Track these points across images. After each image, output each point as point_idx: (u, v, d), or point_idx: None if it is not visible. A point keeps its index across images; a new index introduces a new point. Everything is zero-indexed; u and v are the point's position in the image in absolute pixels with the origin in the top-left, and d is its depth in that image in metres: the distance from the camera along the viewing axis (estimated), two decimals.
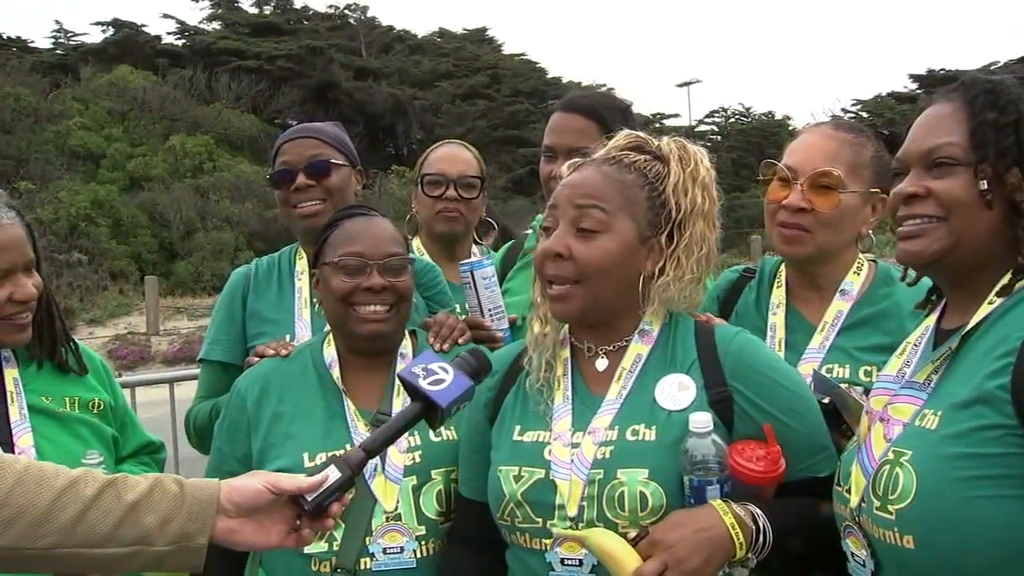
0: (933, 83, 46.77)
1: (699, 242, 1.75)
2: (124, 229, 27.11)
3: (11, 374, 2.11)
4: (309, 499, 1.50)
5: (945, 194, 1.46)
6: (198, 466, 2.45)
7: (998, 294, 1.44)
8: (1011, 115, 1.45)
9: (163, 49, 44.52)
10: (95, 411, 2.22)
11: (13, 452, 1.99)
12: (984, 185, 1.43)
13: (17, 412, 2.07)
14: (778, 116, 50.91)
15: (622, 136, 1.85)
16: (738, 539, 1.53)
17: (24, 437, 2.04)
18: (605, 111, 2.52)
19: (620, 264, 1.72)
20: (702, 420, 1.59)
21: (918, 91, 47.10)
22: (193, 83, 37.37)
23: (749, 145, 40.19)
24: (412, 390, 1.58)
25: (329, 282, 2.05)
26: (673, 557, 1.52)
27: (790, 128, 48.95)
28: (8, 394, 2.08)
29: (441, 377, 1.58)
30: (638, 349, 1.77)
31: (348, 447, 1.94)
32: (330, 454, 1.92)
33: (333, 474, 1.51)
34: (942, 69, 48.41)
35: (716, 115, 51.67)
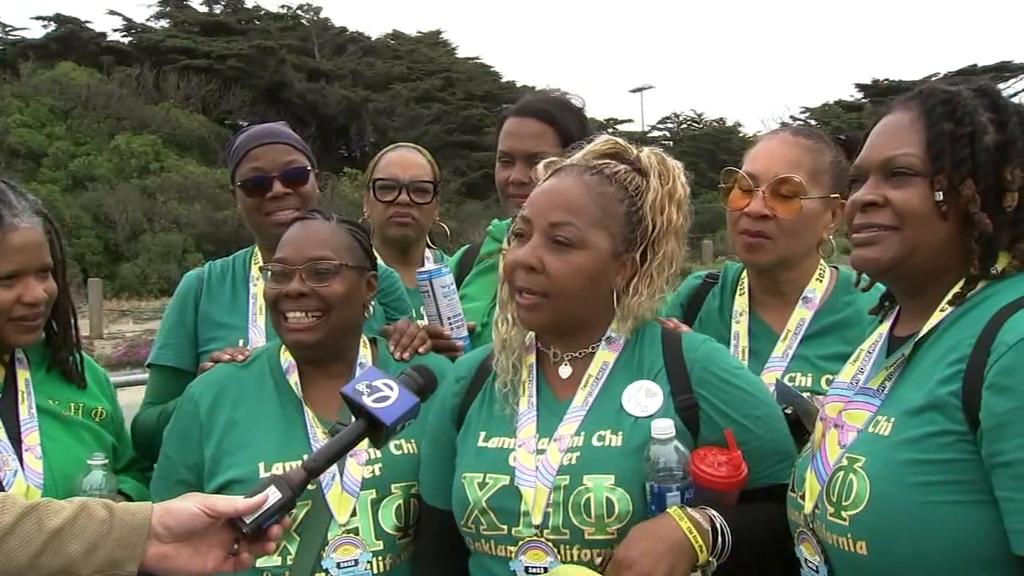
0: (878, 92, 48.06)
1: (670, 260, 1.75)
2: (67, 230, 26.36)
3: (23, 375, 2.15)
4: (247, 521, 1.43)
5: (902, 204, 1.47)
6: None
7: (950, 302, 1.46)
8: (967, 127, 1.45)
9: (108, 46, 43.60)
10: (98, 419, 2.22)
11: (21, 449, 2.04)
12: (940, 196, 1.44)
13: (27, 411, 2.10)
14: (729, 122, 51.82)
15: (602, 142, 1.83)
16: (696, 543, 1.53)
17: (31, 435, 2.07)
18: (560, 114, 2.49)
19: (592, 281, 1.71)
20: (664, 426, 1.59)
21: (863, 100, 48.35)
22: (140, 82, 36.63)
23: (701, 151, 40.75)
24: (355, 408, 1.54)
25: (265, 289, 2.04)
26: (639, 573, 1.50)
27: (741, 134, 49.97)
28: (20, 393, 2.12)
29: (385, 394, 1.54)
30: (605, 356, 1.76)
31: (306, 457, 1.87)
32: (287, 464, 1.88)
33: (273, 495, 1.45)
34: (886, 79, 49.78)
35: (669, 121, 52.35)
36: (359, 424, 1.54)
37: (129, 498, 2.08)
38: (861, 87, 51.12)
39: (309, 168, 2.46)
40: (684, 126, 51.27)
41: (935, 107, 1.48)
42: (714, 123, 50.88)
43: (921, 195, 1.45)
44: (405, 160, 2.93)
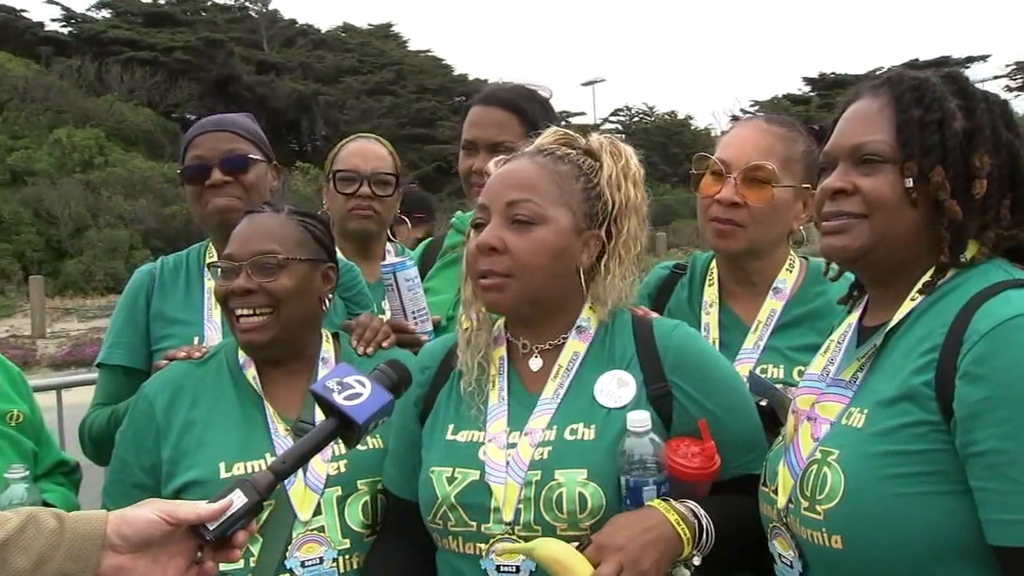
0: (824, 86, 49.00)
1: (635, 239, 1.73)
2: (5, 226, 25.61)
3: None
4: (211, 528, 1.35)
5: (871, 191, 1.45)
6: (91, 476, 2.31)
7: (920, 291, 1.45)
8: (936, 113, 1.44)
9: (46, 36, 42.30)
10: (13, 423, 2.09)
11: None
12: (910, 183, 1.43)
13: None
14: (681, 115, 52.34)
15: (550, 133, 1.81)
16: (684, 535, 1.51)
17: None
18: (526, 104, 2.46)
19: (557, 257, 1.67)
20: (639, 419, 1.56)
21: (811, 93, 49.25)
22: (81, 73, 35.57)
23: (653, 144, 41.12)
24: (326, 406, 1.47)
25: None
26: (627, 558, 1.46)
27: (692, 127, 50.55)
28: None
29: (358, 391, 1.46)
30: (575, 346, 1.73)
31: (268, 456, 1.84)
32: (249, 464, 1.83)
33: (238, 499, 1.37)
34: (832, 72, 50.80)
35: (621, 113, 52.71)
36: (330, 423, 1.47)
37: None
38: (808, 80, 52.06)
39: (253, 157, 2.38)
40: (636, 119, 51.66)
41: (904, 93, 1.47)
42: (666, 116, 51.35)
43: (890, 182, 1.44)
44: (366, 151, 2.87)
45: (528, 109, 2.43)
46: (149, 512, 1.34)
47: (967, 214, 1.42)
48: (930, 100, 1.45)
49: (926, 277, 1.45)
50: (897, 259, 1.47)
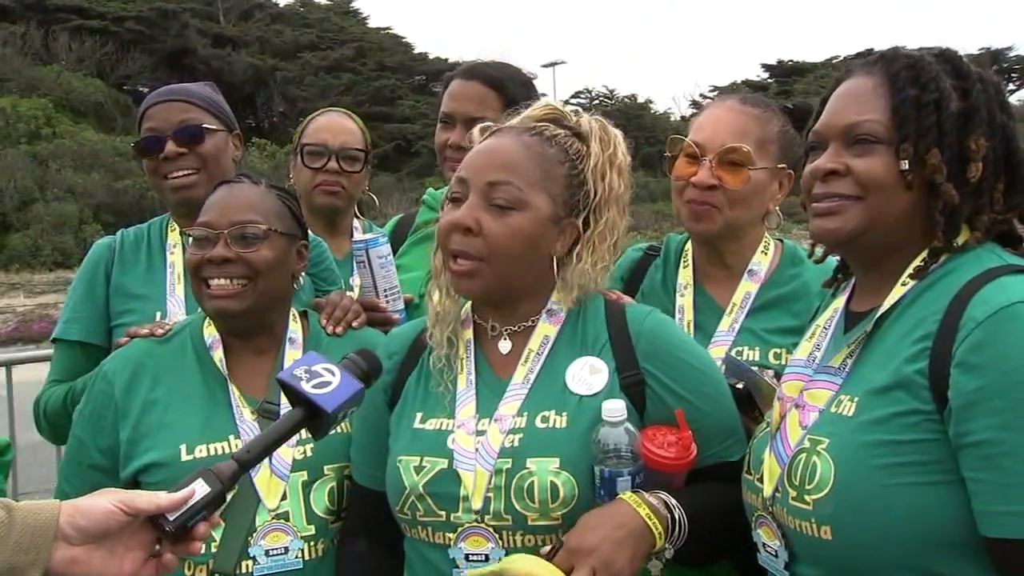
0: (782, 72, 49.59)
1: (612, 229, 1.69)
2: None
3: None
4: (171, 519, 1.30)
5: (865, 173, 1.41)
6: (40, 455, 2.23)
7: (911, 276, 1.42)
8: (933, 93, 1.40)
9: None
10: None
11: None
12: (905, 165, 1.39)
13: None
14: (641, 99, 52.55)
15: (540, 106, 1.76)
16: (656, 529, 1.47)
17: None
18: (508, 82, 2.42)
19: (532, 245, 1.63)
20: (615, 408, 1.52)
21: (769, 79, 49.77)
22: (26, 41, 34.41)
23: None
24: (293, 394, 1.42)
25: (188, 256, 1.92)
26: (599, 560, 1.43)
27: (653, 111, 50.77)
28: None
29: (326, 379, 1.41)
30: (546, 330, 1.69)
31: (232, 438, 1.79)
32: (211, 446, 1.78)
33: (200, 489, 1.32)
34: (790, 60, 51.43)
35: (581, 95, 52.73)
36: (297, 412, 1.41)
37: None
38: (767, 67, 52.65)
39: (208, 126, 2.30)
40: (596, 102, 51.71)
41: (900, 72, 1.43)
42: (626, 99, 51.56)
43: (884, 164, 1.40)
44: (335, 125, 2.80)
45: (509, 87, 2.38)
46: (105, 502, 1.28)
47: (961, 198, 1.39)
48: (926, 80, 1.41)
49: (917, 262, 1.42)
50: (888, 243, 1.44)
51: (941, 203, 1.40)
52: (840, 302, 1.58)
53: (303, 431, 1.47)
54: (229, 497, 1.69)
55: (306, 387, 1.40)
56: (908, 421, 1.31)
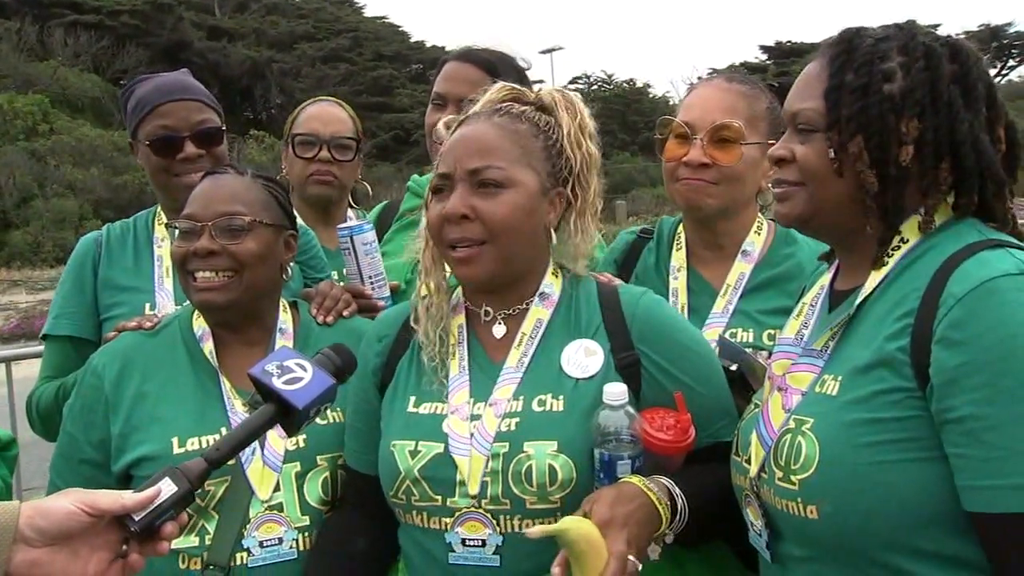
0: (780, 54, 49.29)
1: (598, 195, 1.71)
2: None
3: None
4: (136, 519, 1.27)
5: (803, 160, 1.43)
6: (43, 451, 2.23)
7: (874, 266, 1.41)
8: (863, 78, 1.38)
9: None
10: None
11: None
12: (831, 153, 1.38)
13: None
14: (639, 84, 52.33)
15: (496, 88, 1.76)
16: (665, 514, 1.47)
17: None
18: (503, 68, 2.42)
19: (528, 218, 1.63)
20: (617, 392, 1.51)
21: (767, 61, 49.51)
22: (21, 36, 34.28)
23: (612, 112, 41.06)
24: (265, 390, 1.41)
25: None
26: (631, 535, 1.40)
27: (651, 95, 50.53)
28: None
29: (298, 375, 1.40)
30: (539, 313, 1.68)
31: (224, 431, 1.78)
32: (203, 439, 1.77)
33: (167, 488, 1.29)
34: (788, 41, 51.10)
35: (580, 81, 52.51)
36: (268, 408, 1.40)
37: None
38: (765, 49, 52.31)
39: (222, 127, 2.33)
40: (595, 87, 51.51)
41: (837, 56, 1.42)
42: (624, 84, 51.31)
43: (818, 151, 1.41)
44: (326, 115, 2.79)
45: (504, 74, 2.38)
46: (67, 503, 1.25)
47: (897, 182, 1.37)
48: (860, 63, 1.39)
49: (876, 252, 1.41)
50: (843, 226, 1.45)
51: (866, 190, 1.38)
52: (826, 279, 1.58)
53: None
54: (221, 490, 1.73)
55: (277, 383, 1.39)
56: (891, 399, 1.31)
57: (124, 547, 1.30)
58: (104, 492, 1.29)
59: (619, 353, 1.62)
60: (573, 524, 1.41)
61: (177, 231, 1.89)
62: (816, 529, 1.35)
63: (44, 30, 35.74)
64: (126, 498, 1.27)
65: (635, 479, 1.49)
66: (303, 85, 40.08)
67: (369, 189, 3.05)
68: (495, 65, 2.43)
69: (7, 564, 1.20)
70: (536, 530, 1.42)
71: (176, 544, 1.64)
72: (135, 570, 1.31)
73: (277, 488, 1.78)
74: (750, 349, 1.86)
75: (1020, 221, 1.44)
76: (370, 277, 2.25)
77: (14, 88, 31.06)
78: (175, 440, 1.78)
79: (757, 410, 1.53)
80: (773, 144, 2.03)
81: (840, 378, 1.37)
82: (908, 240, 1.40)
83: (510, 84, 1.78)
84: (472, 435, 1.59)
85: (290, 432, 1.47)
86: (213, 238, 1.83)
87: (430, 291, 1.70)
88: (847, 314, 1.42)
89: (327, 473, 1.82)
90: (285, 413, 1.40)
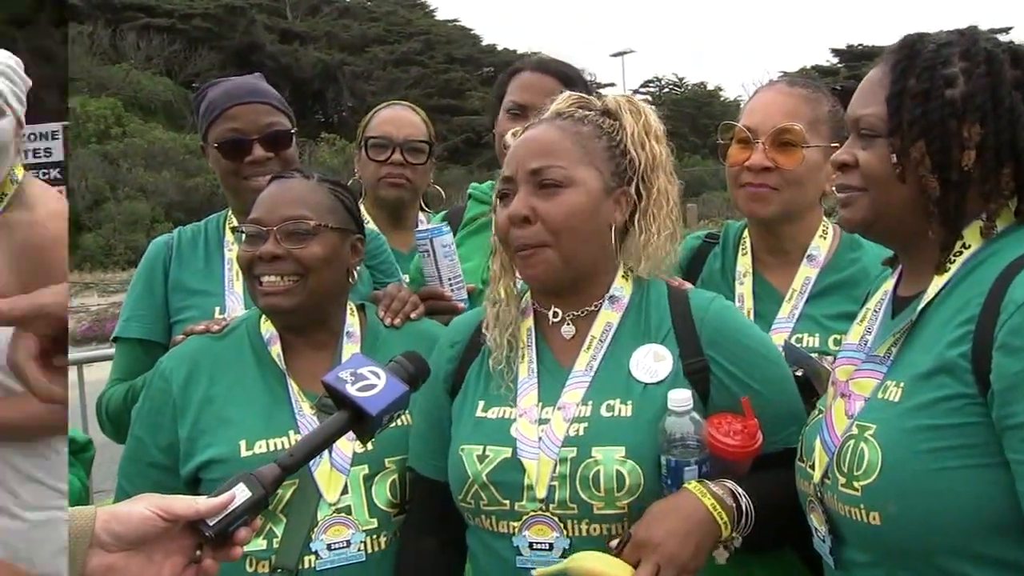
0: (852, 57, 47.91)
1: (666, 195, 1.70)
2: None
3: None
4: (211, 524, 1.29)
5: (865, 166, 1.45)
6: (114, 453, 2.21)
7: (936, 271, 1.41)
8: (924, 84, 1.40)
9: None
10: None
11: None
12: (894, 159, 1.40)
13: None
14: (710, 87, 51.46)
15: (564, 97, 1.79)
16: (721, 519, 1.48)
17: None
18: (578, 81, 2.46)
19: (590, 218, 1.65)
20: (681, 398, 1.53)
21: (839, 65, 48.19)
22: (94, 40, 34.97)
23: (683, 115, 40.49)
24: (339, 397, 1.43)
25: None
26: (664, 555, 1.45)
27: (722, 99, 49.57)
28: None
29: (372, 382, 1.44)
30: (608, 316, 1.69)
31: (292, 433, 1.81)
32: (272, 442, 1.79)
33: (241, 493, 1.32)
34: (860, 44, 49.64)
35: (651, 84, 51.92)
36: (342, 415, 1.44)
37: None
38: (836, 52, 51.04)
39: (292, 130, 2.37)
40: (666, 90, 50.93)
41: (900, 62, 1.44)
42: (695, 87, 50.61)
43: (880, 157, 1.43)
44: (399, 118, 2.86)
45: (579, 87, 2.36)
46: (143, 508, 1.28)
47: (961, 186, 1.38)
48: (922, 68, 1.41)
49: (940, 257, 1.42)
50: (907, 232, 1.46)
51: (928, 195, 1.40)
52: (889, 285, 1.59)
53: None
54: (289, 493, 1.76)
55: (351, 390, 1.42)
56: (953, 405, 1.32)
57: (198, 552, 1.32)
58: (179, 497, 1.32)
59: (688, 358, 1.64)
60: (573, 562, 1.49)
61: (244, 235, 1.90)
62: (879, 535, 1.37)
63: (117, 34, 36.53)
64: (201, 503, 1.30)
65: (692, 486, 1.51)
66: (374, 88, 40.36)
67: (441, 192, 3.08)
68: (572, 77, 2.46)
69: (83, 568, 1.23)
70: (538, 572, 1.52)
71: (245, 548, 1.64)
72: (209, 575, 1.33)
73: (345, 491, 1.79)
74: (815, 354, 1.88)
75: None
76: (449, 279, 2.26)
77: (87, 91, 31.70)
78: (243, 443, 1.79)
79: (821, 416, 1.55)
80: (836, 147, 2.01)
81: (902, 384, 1.39)
82: (970, 245, 1.41)
83: (578, 94, 1.81)
84: (540, 439, 1.61)
85: (363, 439, 1.51)
86: (278, 242, 1.84)
87: (500, 296, 1.73)
88: (909, 320, 1.44)
89: (395, 476, 1.84)
90: (358, 420, 1.43)
